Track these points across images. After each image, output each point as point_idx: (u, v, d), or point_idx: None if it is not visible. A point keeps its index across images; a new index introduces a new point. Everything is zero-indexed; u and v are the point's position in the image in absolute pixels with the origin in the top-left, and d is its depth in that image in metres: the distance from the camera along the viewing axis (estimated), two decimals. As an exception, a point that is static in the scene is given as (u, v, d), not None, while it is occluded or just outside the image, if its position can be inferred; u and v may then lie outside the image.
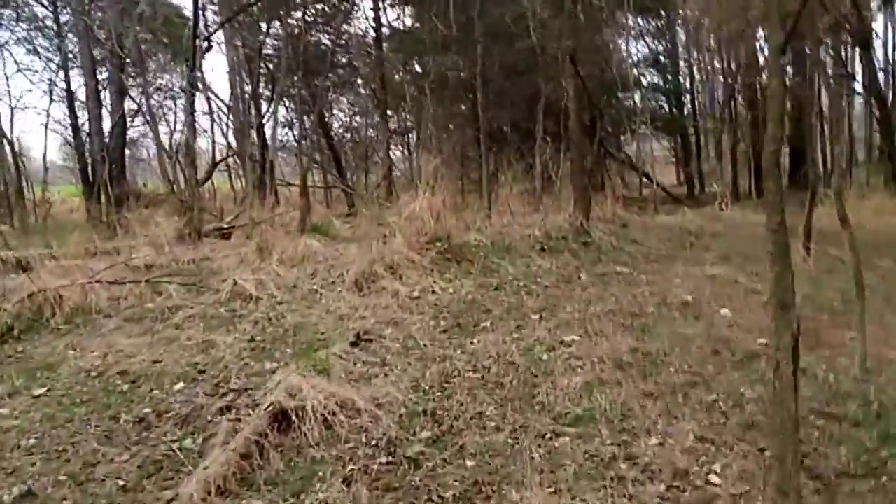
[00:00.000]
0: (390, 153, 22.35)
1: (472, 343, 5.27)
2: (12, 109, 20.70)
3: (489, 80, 15.52)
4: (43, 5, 20.41)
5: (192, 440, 3.88)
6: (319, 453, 3.62)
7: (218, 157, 17.70)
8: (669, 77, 22.99)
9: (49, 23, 20.61)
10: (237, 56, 18.43)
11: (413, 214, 8.40)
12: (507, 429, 3.83)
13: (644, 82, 21.84)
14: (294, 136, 14.85)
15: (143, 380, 4.80)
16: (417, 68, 19.49)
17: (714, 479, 3.25)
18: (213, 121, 16.21)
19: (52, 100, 19.28)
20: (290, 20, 17.39)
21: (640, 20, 21.19)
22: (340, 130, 24.93)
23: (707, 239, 10.13)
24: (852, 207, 10.84)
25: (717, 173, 21.42)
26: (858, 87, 21.06)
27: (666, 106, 23.67)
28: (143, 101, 14.76)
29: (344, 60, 21.99)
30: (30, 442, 3.88)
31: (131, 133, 24.25)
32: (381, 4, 18.31)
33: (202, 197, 12.57)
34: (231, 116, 18.99)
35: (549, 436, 3.73)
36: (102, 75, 17.73)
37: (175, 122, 23.01)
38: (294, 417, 3.86)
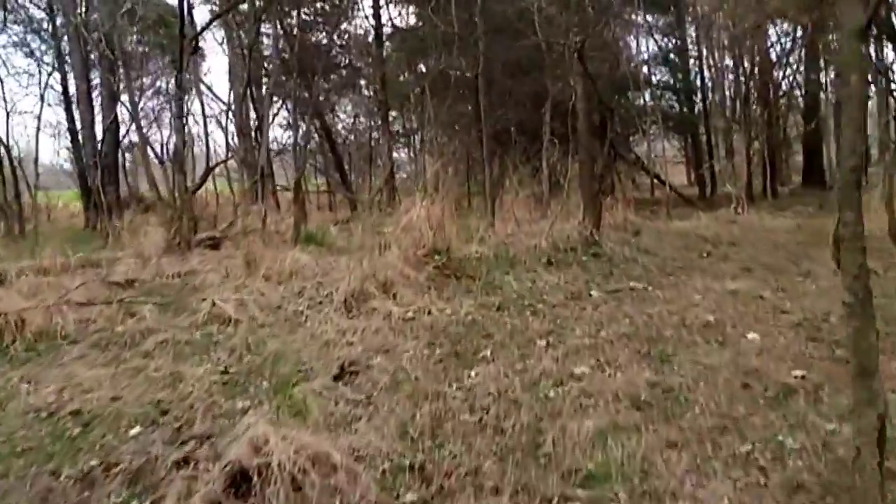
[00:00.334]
0: (394, 156, 21.93)
1: (469, 376, 4.67)
2: (8, 113, 20.26)
3: (493, 79, 14.94)
4: (39, 7, 20.02)
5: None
6: (283, 525, 3.05)
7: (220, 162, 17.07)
8: (679, 75, 22.37)
9: (45, 25, 20.28)
10: (236, 57, 17.96)
11: (410, 225, 7.83)
12: (508, 491, 3.24)
13: (654, 80, 21.17)
14: (297, 139, 14.22)
15: (98, 422, 4.24)
16: (422, 68, 18.96)
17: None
18: (206, 124, 15.69)
19: (43, 103, 18.76)
20: (287, 19, 16.88)
21: (648, 17, 20.58)
22: (344, 132, 24.45)
23: (725, 247, 9.51)
24: (877, 212, 10.23)
25: (728, 173, 20.80)
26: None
27: (676, 105, 23.07)
28: (130, 103, 14.20)
29: (346, 61, 21.52)
30: (-53, 508, 3.33)
31: (134, 136, 23.92)
32: (380, 2, 17.74)
33: (193, 205, 12.01)
34: (231, 119, 18.52)
35: (556, 501, 3.14)
36: (98, 79, 17.34)
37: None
38: (256, 478, 3.29)
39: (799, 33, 19.50)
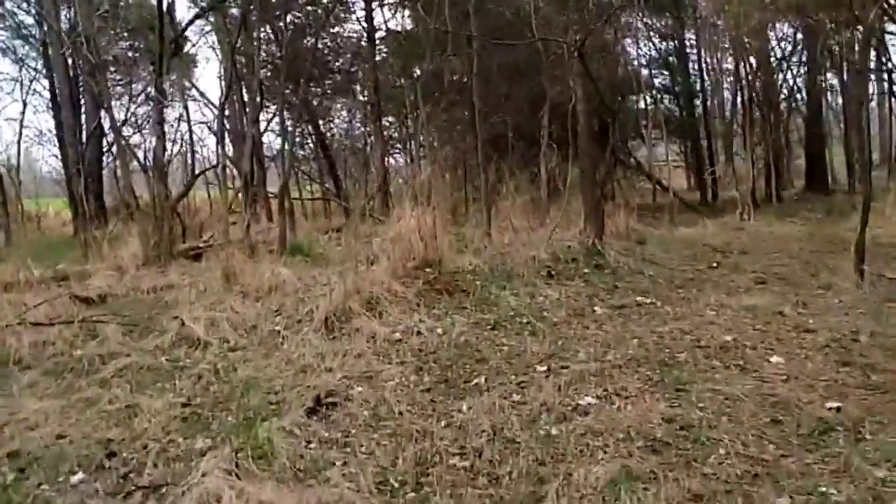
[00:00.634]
0: (391, 161, 21.37)
1: (460, 410, 4.13)
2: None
3: (489, 82, 14.43)
4: (28, 13, 19.55)
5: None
6: None
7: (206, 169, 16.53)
8: (679, 78, 21.88)
9: (34, 31, 19.80)
10: (227, 62, 17.44)
11: (400, 235, 7.30)
12: (503, 560, 2.71)
13: (655, 84, 20.67)
14: (284, 143, 13.69)
15: (36, 466, 3.70)
16: (418, 72, 18.44)
17: None
18: (191, 130, 15.14)
19: (26, 109, 18.29)
20: (276, 22, 16.35)
21: (647, 19, 20.08)
22: (339, 137, 23.88)
23: (735, 256, 8.97)
24: (891, 218, 9.71)
25: (730, 178, 20.29)
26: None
27: (676, 108, 22.57)
28: (104, 107, 13.67)
29: (339, 65, 21.02)
30: None
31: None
32: (372, 5, 17.22)
33: (174, 214, 11.48)
34: (226, 125, 17.94)
35: (561, 575, 2.61)
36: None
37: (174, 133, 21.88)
38: (202, 549, 2.76)
39: (799, 36, 19.10)
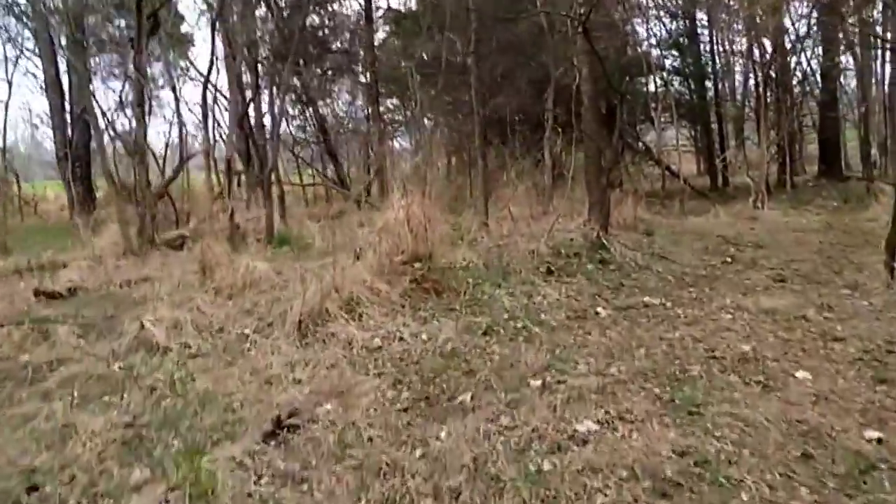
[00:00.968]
0: (394, 145, 20.72)
1: (439, 437, 3.57)
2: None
3: (492, 62, 13.79)
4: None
5: None
6: None
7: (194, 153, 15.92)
8: (690, 60, 21.12)
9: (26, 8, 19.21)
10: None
11: (388, 227, 6.74)
12: None
13: (665, 65, 19.94)
14: (274, 125, 13.11)
15: (-57, 503, 3.18)
16: (421, 53, 17.79)
17: None
18: (180, 112, 14.52)
19: (12, 89, 17.75)
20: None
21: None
22: (343, 119, 23.20)
23: (750, 250, 8.35)
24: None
25: (740, 163, 19.61)
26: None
27: (686, 91, 21.83)
28: (78, 87, 13.12)
29: (338, 45, 20.36)
30: None
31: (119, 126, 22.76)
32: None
33: (159, 200, 10.93)
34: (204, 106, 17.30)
35: None
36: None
37: (172, 115, 21.22)
38: None
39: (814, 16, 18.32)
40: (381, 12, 18.20)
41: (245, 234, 11.05)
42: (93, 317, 6.12)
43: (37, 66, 20.26)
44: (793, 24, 19.22)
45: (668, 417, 3.66)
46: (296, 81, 19.80)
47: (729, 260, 7.71)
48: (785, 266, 7.30)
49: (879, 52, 16.89)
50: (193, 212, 12.77)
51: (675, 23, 21.06)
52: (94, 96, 12.13)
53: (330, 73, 20.78)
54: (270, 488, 3.15)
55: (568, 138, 11.94)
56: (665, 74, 19.59)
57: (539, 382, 4.21)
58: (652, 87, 18.66)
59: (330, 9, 18.53)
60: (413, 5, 18.57)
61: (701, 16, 20.97)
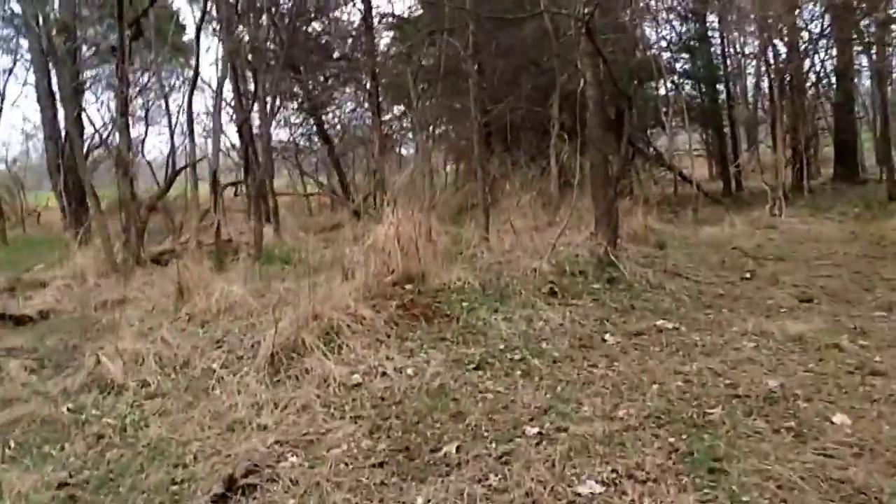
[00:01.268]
0: (403, 153, 20.23)
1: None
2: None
3: (496, 67, 13.30)
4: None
5: None
6: None
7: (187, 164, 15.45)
8: (700, 62, 20.55)
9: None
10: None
11: (376, 244, 6.22)
12: None
13: (676, 68, 19.39)
14: (266, 134, 12.63)
15: None
16: (422, 59, 17.28)
17: None
18: (171, 123, 14.09)
19: (2, 100, 17.44)
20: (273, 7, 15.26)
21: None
22: (344, 128, 22.72)
23: (771, 264, 7.76)
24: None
25: (754, 167, 19.03)
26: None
27: (698, 94, 21.27)
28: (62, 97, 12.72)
29: (340, 52, 19.90)
30: None
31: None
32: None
33: (146, 215, 10.46)
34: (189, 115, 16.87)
35: None
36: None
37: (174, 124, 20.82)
38: None
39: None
40: (383, 20, 17.66)
41: (238, 249, 10.58)
42: (54, 347, 5.65)
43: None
44: (806, 25, 18.66)
45: (684, 475, 3.11)
46: (297, 90, 19.49)
47: (748, 276, 7.12)
48: (810, 283, 6.71)
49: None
50: (187, 225, 12.30)
51: (685, 25, 20.53)
52: (82, 108, 11.69)
53: (332, 80, 20.33)
54: (209, 575, 2.63)
55: (574, 145, 11.38)
56: (676, 78, 19.05)
57: (536, 430, 3.66)
58: (662, 91, 18.15)
59: (331, 15, 18.03)
60: (416, 11, 18.12)
61: (712, 18, 20.45)
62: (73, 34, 12.74)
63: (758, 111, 21.89)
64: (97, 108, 25.17)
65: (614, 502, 2.95)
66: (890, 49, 16.72)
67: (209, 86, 20.13)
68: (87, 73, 19.51)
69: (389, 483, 3.23)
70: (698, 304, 6.01)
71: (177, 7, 20.76)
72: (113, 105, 21.64)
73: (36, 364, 5.11)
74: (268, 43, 16.99)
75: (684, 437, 3.50)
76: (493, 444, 3.53)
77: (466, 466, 3.32)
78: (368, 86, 17.43)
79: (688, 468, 3.18)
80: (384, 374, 4.46)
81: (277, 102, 20.48)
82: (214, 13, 15.26)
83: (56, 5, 14.58)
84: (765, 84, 20.19)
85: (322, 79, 20.10)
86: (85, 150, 15.83)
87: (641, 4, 17.24)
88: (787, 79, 16.75)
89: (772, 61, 17.57)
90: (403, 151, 21.08)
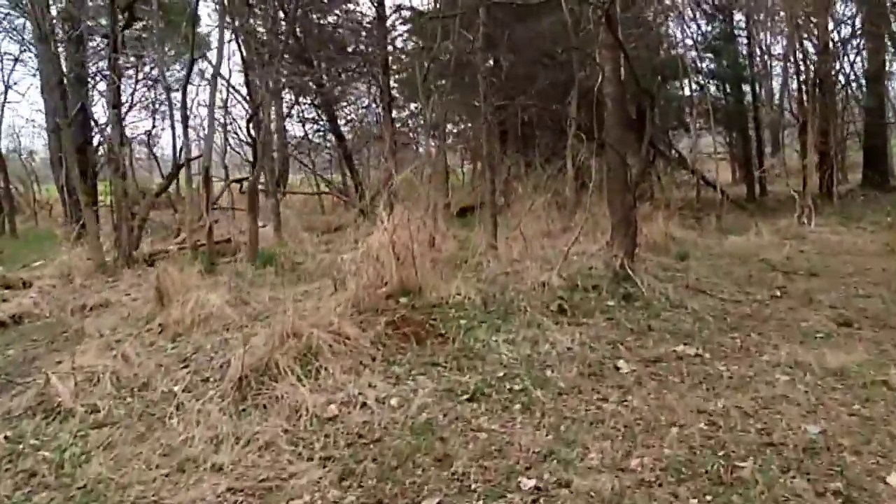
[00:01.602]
0: (419, 151, 19.67)
1: (378, 584, 2.51)
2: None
3: (512, 63, 12.72)
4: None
5: None
6: None
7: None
8: (725, 62, 19.81)
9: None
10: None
11: (369, 253, 5.69)
12: None
13: (701, 67, 18.69)
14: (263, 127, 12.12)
15: None
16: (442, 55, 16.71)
17: None
18: (172, 116, 13.61)
19: (6, 91, 17.17)
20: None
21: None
22: (359, 124, 22.20)
23: (802, 280, 7.11)
24: None
25: (780, 171, 18.30)
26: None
27: (722, 95, 20.54)
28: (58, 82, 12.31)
29: (353, 46, 19.38)
30: None
31: (130, 129, 22.02)
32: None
33: (146, 212, 10.01)
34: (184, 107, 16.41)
35: None
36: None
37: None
38: None
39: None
40: (399, 13, 17.12)
41: (236, 249, 10.10)
42: (13, 358, 5.15)
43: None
44: (836, 27, 17.91)
45: (711, 555, 2.55)
46: (310, 82, 18.99)
47: (778, 293, 6.49)
48: (847, 303, 6.06)
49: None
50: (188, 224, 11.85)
51: (711, 24, 19.82)
52: (86, 98, 11.28)
53: (344, 75, 19.82)
54: None
55: (592, 146, 10.79)
56: (701, 78, 18.36)
57: (533, 482, 3.11)
58: (686, 91, 17.49)
59: (343, 7, 17.53)
60: (432, 3, 17.55)
61: (739, 17, 19.73)
62: (77, 22, 12.27)
63: (783, 113, 21.14)
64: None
65: (623, 590, 2.39)
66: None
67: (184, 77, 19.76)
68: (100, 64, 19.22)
69: (352, 551, 2.70)
70: (723, 326, 5.40)
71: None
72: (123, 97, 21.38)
73: (-19, 382, 4.63)
74: (279, 35, 16.60)
75: (709, 497, 2.94)
76: (481, 502, 2.99)
77: (447, 531, 2.78)
78: (378, 80, 16.87)
79: (714, 543, 2.62)
80: (364, 404, 3.92)
81: (290, 97, 20.21)
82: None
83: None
84: (793, 85, 19.47)
85: (335, 72, 19.59)
86: (96, 143, 15.47)
87: (667, 1, 16.63)
88: (818, 81, 16.03)
89: (801, 62, 16.87)
90: (422, 150, 20.57)
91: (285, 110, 20.38)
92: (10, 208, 20.45)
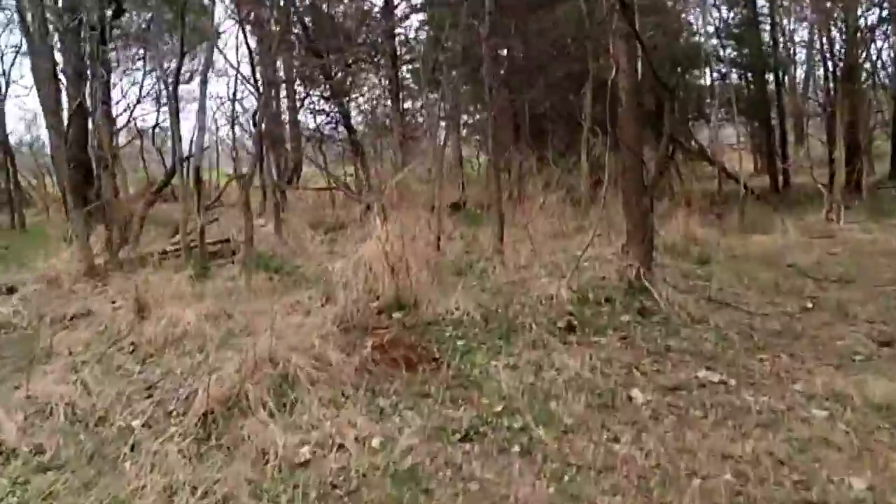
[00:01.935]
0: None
1: None
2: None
3: (525, 53, 12.18)
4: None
5: None
6: None
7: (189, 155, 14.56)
8: (748, 50, 19.11)
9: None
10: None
11: (364, 261, 5.22)
12: None
13: (723, 55, 18.03)
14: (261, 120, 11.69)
15: None
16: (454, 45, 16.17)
17: None
18: (176, 110, 13.14)
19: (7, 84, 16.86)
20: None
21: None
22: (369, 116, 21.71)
23: (835, 288, 6.54)
24: None
25: (804, 162, 17.61)
26: None
27: (744, 84, 19.85)
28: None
29: (361, 37, 18.88)
30: None
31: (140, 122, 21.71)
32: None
33: (144, 211, 9.61)
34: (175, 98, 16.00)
35: None
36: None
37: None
38: None
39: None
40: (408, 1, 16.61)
41: (235, 250, 9.69)
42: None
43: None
44: (863, 14, 17.16)
45: None
46: (319, 74, 18.53)
47: (809, 305, 5.93)
48: (887, 316, 5.50)
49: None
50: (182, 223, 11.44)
51: (733, 10, 19.12)
52: (85, 93, 10.91)
53: (354, 66, 19.32)
54: None
55: (607, 141, 10.25)
56: (723, 66, 17.70)
57: (528, 555, 2.64)
58: (706, 80, 16.87)
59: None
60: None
61: (762, 2, 19.01)
62: (76, 12, 11.87)
63: (808, 103, 20.41)
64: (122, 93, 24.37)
65: None
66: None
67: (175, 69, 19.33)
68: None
69: None
70: (750, 346, 4.87)
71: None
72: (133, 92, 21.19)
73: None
74: (288, 23, 16.13)
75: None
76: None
77: None
78: (387, 71, 16.39)
79: None
80: (342, 446, 3.46)
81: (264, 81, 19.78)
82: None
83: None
84: (819, 73, 18.78)
85: (344, 63, 19.11)
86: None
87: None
88: (848, 68, 15.35)
89: (827, 50, 16.18)
90: (429, 143, 20.06)
91: (297, 103, 19.99)
92: (19, 203, 20.27)
